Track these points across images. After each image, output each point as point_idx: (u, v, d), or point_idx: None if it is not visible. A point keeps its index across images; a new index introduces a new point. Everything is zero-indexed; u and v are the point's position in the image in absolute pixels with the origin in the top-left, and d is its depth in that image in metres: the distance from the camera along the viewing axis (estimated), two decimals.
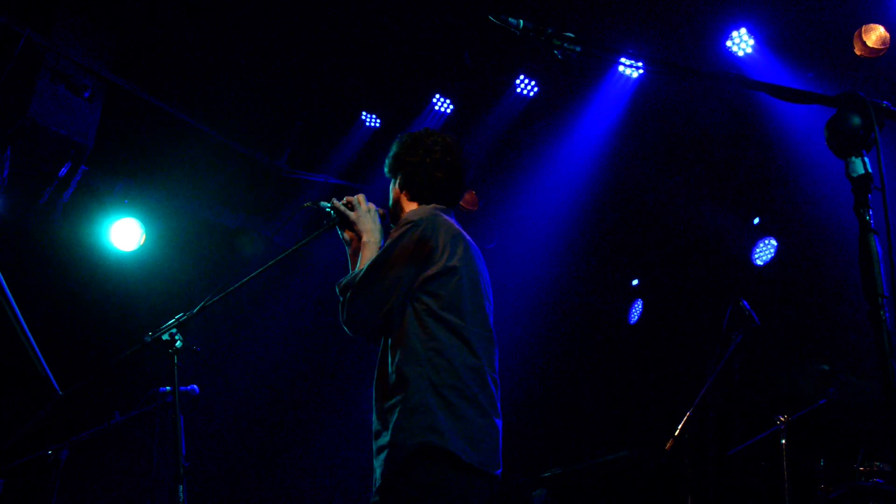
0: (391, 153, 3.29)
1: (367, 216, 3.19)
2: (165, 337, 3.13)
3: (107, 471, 6.73)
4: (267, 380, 8.02)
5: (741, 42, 5.82)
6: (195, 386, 4.52)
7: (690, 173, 7.08)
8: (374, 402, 2.92)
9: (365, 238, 3.14)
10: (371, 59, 6.61)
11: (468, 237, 3.08)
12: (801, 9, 5.60)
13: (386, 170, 3.32)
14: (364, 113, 7.19)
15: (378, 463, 2.79)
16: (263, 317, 8.00)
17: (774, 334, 5.93)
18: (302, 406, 8.31)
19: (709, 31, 5.88)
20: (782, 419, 4.93)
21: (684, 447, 4.61)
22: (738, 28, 5.80)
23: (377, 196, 3.38)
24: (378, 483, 2.78)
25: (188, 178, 7.13)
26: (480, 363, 2.87)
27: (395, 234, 2.98)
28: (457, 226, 3.09)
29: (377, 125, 7.27)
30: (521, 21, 2.17)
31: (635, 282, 8.01)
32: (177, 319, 3.15)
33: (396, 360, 2.84)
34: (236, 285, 3.21)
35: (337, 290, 3.01)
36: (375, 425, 2.87)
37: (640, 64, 5.12)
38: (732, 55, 5.87)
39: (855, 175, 1.81)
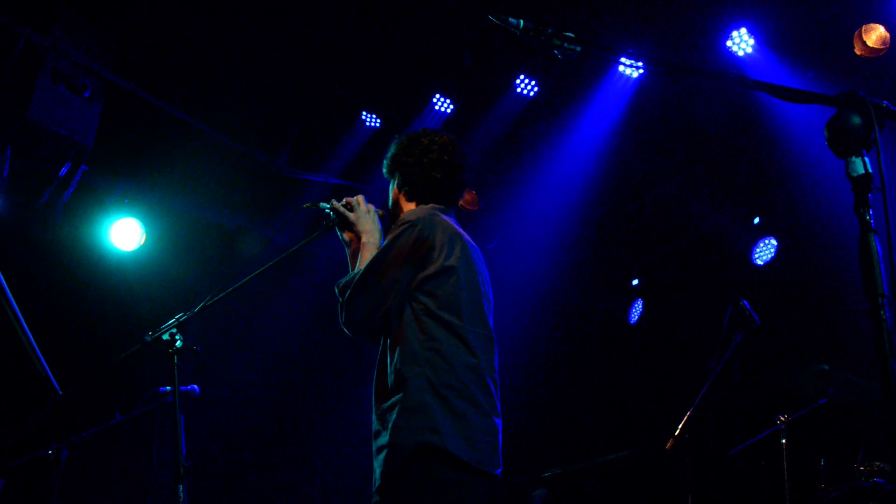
0: (388, 154, 3.29)
1: (366, 217, 3.19)
2: (165, 337, 3.13)
3: (107, 471, 6.73)
4: (267, 380, 8.03)
5: (741, 42, 5.82)
6: (195, 386, 4.53)
7: (690, 173, 7.09)
8: (373, 403, 2.92)
9: (364, 239, 3.14)
10: (371, 59, 6.61)
11: (467, 237, 3.07)
12: (801, 9, 5.60)
13: (384, 171, 3.32)
14: (364, 113, 7.19)
15: (378, 463, 2.80)
16: (263, 317, 8.00)
17: (774, 334, 5.93)
18: (302, 406, 8.31)
19: (709, 31, 5.88)
20: (782, 419, 4.93)
21: (684, 447, 4.61)
22: (738, 28, 5.80)
23: (377, 196, 3.38)
24: (378, 483, 2.78)
25: (188, 178, 7.13)
26: (479, 363, 2.86)
27: (392, 234, 2.98)
28: (455, 225, 3.09)
29: (377, 125, 7.26)
30: (521, 21, 2.16)
31: (635, 282, 8.01)
32: (177, 319, 3.16)
33: (395, 360, 2.84)
34: (236, 285, 3.21)
35: (336, 290, 3.01)
36: (375, 425, 2.87)
37: (640, 64, 5.13)
38: (732, 55, 5.87)
39: (855, 175, 1.81)
